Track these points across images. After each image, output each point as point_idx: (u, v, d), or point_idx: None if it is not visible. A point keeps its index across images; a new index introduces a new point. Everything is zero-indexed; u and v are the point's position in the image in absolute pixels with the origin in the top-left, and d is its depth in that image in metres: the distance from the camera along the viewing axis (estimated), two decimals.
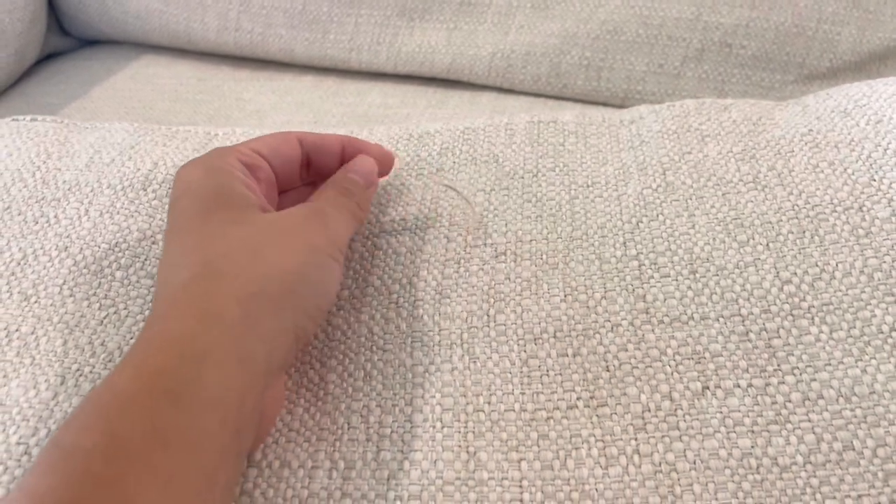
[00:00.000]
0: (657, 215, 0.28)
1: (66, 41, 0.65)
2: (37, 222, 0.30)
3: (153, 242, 0.29)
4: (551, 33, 0.50)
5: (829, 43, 0.49)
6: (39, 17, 0.62)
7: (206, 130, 0.36)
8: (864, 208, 0.27)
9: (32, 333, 0.26)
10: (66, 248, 0.28)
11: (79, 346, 0.25)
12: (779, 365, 0.23)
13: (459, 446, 0.23)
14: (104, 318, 0.26)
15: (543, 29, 0.50)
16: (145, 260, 0.28)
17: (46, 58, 0.64)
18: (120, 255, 0.28)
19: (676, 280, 0.26)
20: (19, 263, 0.28)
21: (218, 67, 0.58)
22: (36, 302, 0.26)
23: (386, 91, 0.54)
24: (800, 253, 0.26)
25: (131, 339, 0.25)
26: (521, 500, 0.21)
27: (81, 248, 0.28)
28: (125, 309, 0.26)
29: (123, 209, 0.30)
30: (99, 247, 0.28)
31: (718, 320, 0.25)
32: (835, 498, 0.21)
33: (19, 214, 0.30)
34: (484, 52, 0.51)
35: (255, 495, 0.22)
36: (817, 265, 0.25)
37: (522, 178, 0.31)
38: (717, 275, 0.26)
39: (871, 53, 0.49)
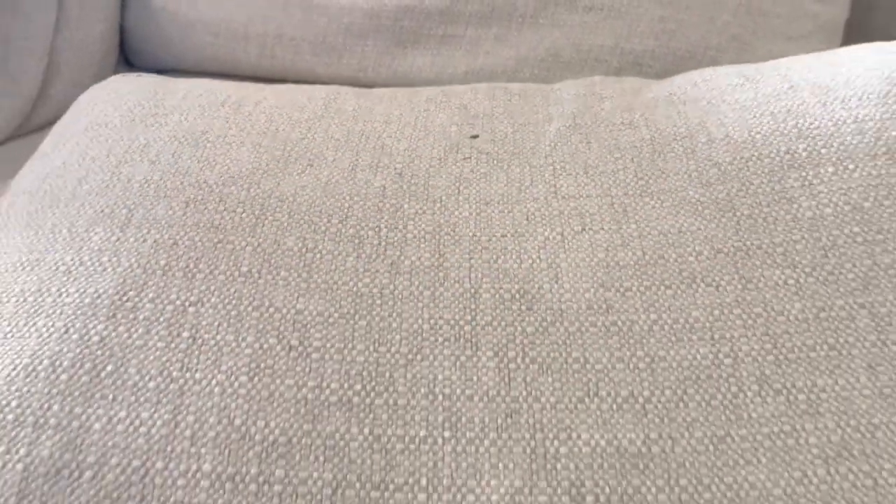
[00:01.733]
0: (567, 142, 0.42)
1: (130, 70, 0.79)
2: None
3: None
4: (509, 57, 0.65)
5: (712, 66, 0.64)
6: (113, 49, 0.76)
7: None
8: (694, 138, 0.40)
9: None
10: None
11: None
12: (622, 225, 0.37)
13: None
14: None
15: (503, 54, 0.65)
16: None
17: None
18: None
19: (575, 177, 0.40)
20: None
21: None
22: None
23: None
24: (651, 163, 0.39)
25: None
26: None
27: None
28: None
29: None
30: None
31: (590, 197, 0.38)
32: None
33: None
34: (459, 72, 0.66)
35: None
36: (649, 176, 0.39)
37: (482, 119, 0.44)
38: (600, 176, 0.39)
39: None
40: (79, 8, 0.71)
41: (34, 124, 0.69)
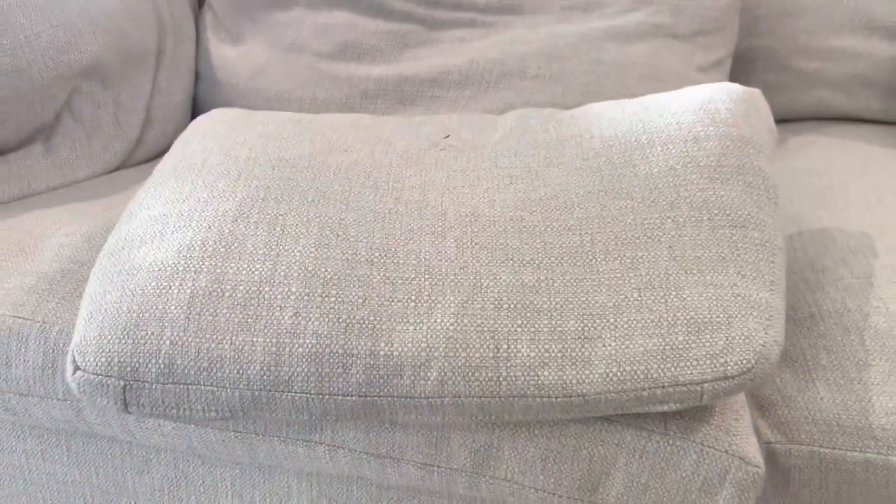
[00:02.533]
0: (506, 141, 0.67)
1: None
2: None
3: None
4: (479, 110, 0.92)
5: None
6: (189, 110, 1.03)
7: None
8: (582, 136, 0.66)
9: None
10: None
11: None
12: (534, 181, 0.62)
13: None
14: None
15: (475, 108, 0.92)
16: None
17: None
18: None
19: (509, 157, 0.64)
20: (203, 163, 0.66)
21: None
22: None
23: None
24: (555, 150, 0.65)
25: None
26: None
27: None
28: None
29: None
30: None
31: (517, 168, 0.63)
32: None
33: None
34: None
35: None
36: (553, 156, 0.64)
37: (454, 131, 0.70)
38: (524, 157, 0.64)
39: None
40: (166, 82, 0.99)
41: (133, 161, 0.95)
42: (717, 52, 0.96)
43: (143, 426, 0.62)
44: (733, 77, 1.03)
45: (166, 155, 0.68)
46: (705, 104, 0.65)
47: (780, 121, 1.05)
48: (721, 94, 0.67)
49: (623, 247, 0.56)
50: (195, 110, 1.06)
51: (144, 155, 0.96)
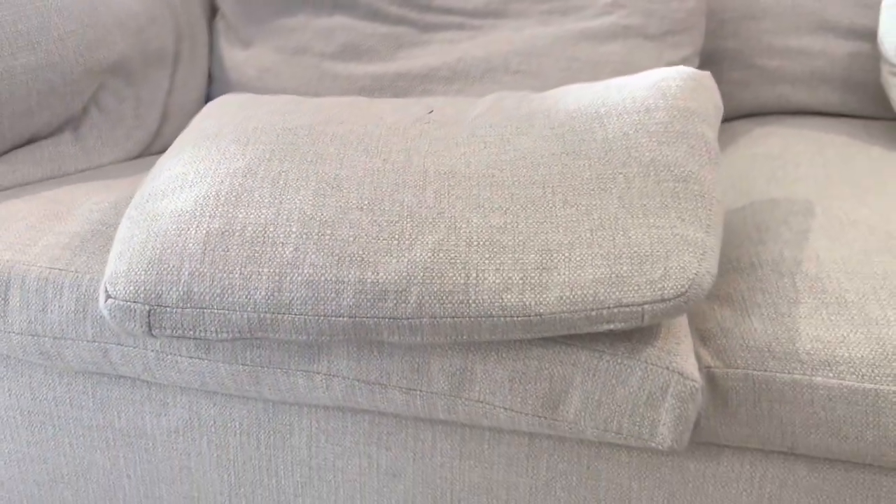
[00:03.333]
0: (483, 117, 0.77)
1: None
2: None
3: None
4: None
5: None
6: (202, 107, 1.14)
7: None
8: (550, 110, 0.76)
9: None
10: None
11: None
12: (505, 146, 0.71)
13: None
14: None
15: None
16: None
17: None
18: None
19: (484, 129, 0.74)
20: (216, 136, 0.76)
21: None
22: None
23: None
24: (526, 121, 0.74)
25: None
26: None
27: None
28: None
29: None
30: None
31: (490, 136, 0.73)
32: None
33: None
34: None
35: None
36: (523, 127, 0.74)
37: (438, 108, 0.79)
38: (497, 128, 0.74)
39: None
40: (182, 81, 1.09)
41: (152, 151, 1.05)
42: (685, 50, 1.06)
43: (162, 363, 0.71)
44: None
45: (185, 130, 0.78)
46: (658, 82, 0.75)
47: (746, 115, 1.15)
48: (673, 74, 0.76)
49: (579, 196, 0.65)
50: None
51: (162, 146, 1.06)
